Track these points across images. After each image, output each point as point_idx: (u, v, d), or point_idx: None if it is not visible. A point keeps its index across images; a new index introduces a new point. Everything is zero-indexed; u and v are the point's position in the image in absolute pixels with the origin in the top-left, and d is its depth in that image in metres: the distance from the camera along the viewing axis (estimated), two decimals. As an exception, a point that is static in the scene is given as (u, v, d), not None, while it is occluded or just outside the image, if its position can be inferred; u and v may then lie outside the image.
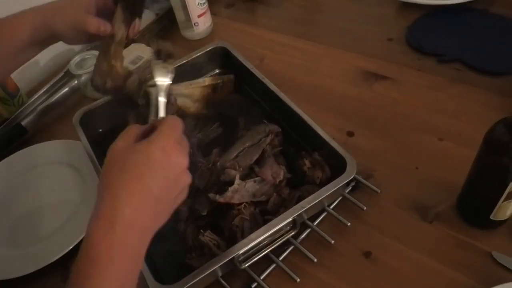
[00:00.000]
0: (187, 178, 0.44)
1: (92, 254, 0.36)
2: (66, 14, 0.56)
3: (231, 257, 0.51)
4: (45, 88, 0.83)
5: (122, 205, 0.38)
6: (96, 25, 0.56)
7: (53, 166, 0.73)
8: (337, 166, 0.59)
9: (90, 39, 0.58)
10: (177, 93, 0.66)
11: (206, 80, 0.71)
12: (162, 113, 0.47)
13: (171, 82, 0.51)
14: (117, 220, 0.37)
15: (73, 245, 0.60)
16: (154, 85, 0.52)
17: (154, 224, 0.41)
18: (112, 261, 0.37)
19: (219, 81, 0.72)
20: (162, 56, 0.52)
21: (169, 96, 0.50)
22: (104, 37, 0.57)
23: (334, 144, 0.59)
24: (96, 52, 0.83)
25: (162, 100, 0.48)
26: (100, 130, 0.74)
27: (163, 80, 0.50)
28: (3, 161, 0.75)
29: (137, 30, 0.60)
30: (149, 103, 0.56)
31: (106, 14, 0.58)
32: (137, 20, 0.57)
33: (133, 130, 0.43)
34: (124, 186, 0.39)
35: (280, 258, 0.56)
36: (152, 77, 0.53)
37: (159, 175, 0.40)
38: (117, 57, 0.57)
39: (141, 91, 0.58)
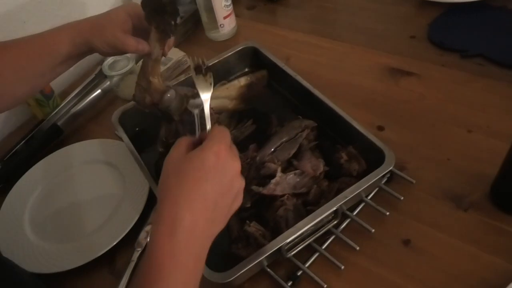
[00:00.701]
0: (241, 182, 0.45)
1: (157, 260, 0.39)
2: (105, 32, 0.58)
3: (278, 246, 0.53)
4: (78, 90, 0.86)
5: (182, 211, 0.40)
6: (135, 45, 0.58)
7: (91, 164, 0.76)
8: (372, 158, 0.62)
9: (124, 53, 0.61)
10: (215, 96, 0.67)
11: (241, 81, 0.73)
12: (209, 125, 0.49)
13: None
14: (178, 225, 0.39)
15: (119, 239, 0.63)
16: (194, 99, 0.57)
17: (212, 228, 0.43)
18: (175, 266, 0.39)
19: (253, 79, 0.74)
20: (202, 70, 0.54)
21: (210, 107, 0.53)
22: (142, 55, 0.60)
23: (371, 137, 0.61)
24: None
25: (207, 112, 0.50)
26: (136, 129, 0.76)
27: (207, 94, 0.52)
28: (42, 160, 0.77)
29: (171, 47, 0.62)
30: (183, 118, 0.61)
31: (141, 31, 0.60)
32: (171, 38, 0.60)
33: (184, 140, 0.45)
34: (182, 192, 0.41)
35: (323, 247, 0.58)
36: (194, 94, 0.57)
37: (214, 179, 0.42)
38: (154, 73, 0.59)
39: (183, 106, 0.61)
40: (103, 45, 0.59)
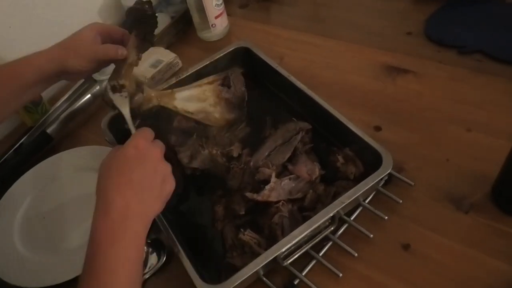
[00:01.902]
0: (165, 167, 0.51)
1: (95, 238, 0.44)
2: (79, 51, 0.60)
3: (274, 255, 0.52)
4: (67, 95, 0.84)
5: (112, 194, 0.46)
6: (115, 49, 0.61)
7: (82, 172, 0.74)
8: (369, 160, 0.60)
9: (98, 68, 0.64)
10: (186, 96, 0.67)
11: (210, 77, 0.71)
12: (133, 130, 0.57)
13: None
14: (110, 207, 0.45)
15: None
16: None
17: (145, 208, 0.47)
18: (112, 242, 0.43)
19: (225, 76, 0.71)
20: (117, 89, 0.60)
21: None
22: (116, 61, 0.62)
23: (368, 139, 0.59)
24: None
25: (129, 120, 0.58)
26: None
27: (125, 108, 0.60)
28: (31, 169, 0.76)
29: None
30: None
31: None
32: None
33: (115, 148, 0.52)
34: (111, 181, 0.47)
35: (320, 254, 0.56)
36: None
37: (136, 166, 0.48)
38: (127, 77, 0.61)
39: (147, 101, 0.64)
40: (80, 62, 0.60)
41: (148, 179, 0.48)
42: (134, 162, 0.48)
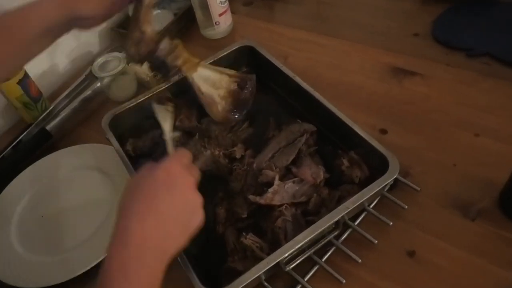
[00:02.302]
0: (196, 198, 0.46)
1: (109, 270, 0.39)
2: None
3: (277, 260, 0.51)
4: (67, 92, 0.82)
5: (133, 223, 0.41)
6: None
7: (81, 171, 0.73)
8: (374, 164, 0.59)
9: (112, 12, 0.56)
10: (205, 75, 0.66)
11: (232, 70, 0.71)
12: (171, 150, 0.53)
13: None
14: (129, 237, 0.40)
15: (109, 250, 0.60)
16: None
17: (167, 242, 0.42)
18: (126, 277, 0.38)
19: (244, 78, 0.71)
20: (162, 101, 0.60)
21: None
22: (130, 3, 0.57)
23: (374, 143, 0.58)
24: (118, 54, 0.82)
25: (169, 140, 0.55)
26: (128, 133, 0.73)
27: (167, 123, 0.57)
28: (30, 166, 0.74)
29: None
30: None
31: None
32: None
33: (147, 165, 0.47)
34: (133, 206, 0.42)
35: (323, 259, 0.55)
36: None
37: (165, 194, 0.43)
38: (147, 22, 0.58)
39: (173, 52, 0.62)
40: (91, 6, 0.53)
41: (175, 210, 0.43)
42: (163, 188, 0.43)
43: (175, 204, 0.43)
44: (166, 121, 0.56)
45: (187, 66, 0.62)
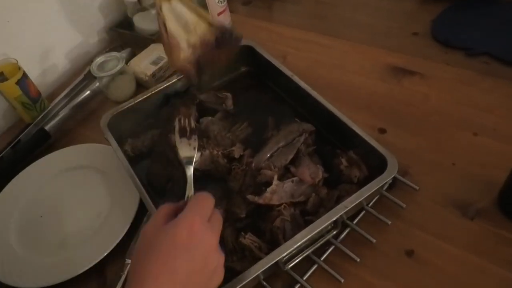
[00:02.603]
0: (218, 258, 0.42)
1: None
2: None
3: (276, 260, 0.50)
4: (65, 92, 0.82)
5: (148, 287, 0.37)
6: None
7: (80, 171, 0.73)
8: (373, 164, 0.59)
9: None
10: (178, 12, 0.57)
11: (216, 21, 0.60)
12: (192, 190, 0.48)
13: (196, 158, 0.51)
14: None
15: (108, 251, 0.60)
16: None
17: None
18: None
19: (228, 34, 0.60)
20: (186, 133, 0.52)
21: None
22: None
23: (373, 142, 0.58)
24: (117, 54, 0.82)
25: (191, 176, 0.49)
26: (127, 133, 0.73)
27: (190, 157, 0.50)
28: (29, 167, 0.74)
29: None
30: None
31: None
32: None
33: (164, 209, 0.43)
34: (150, 269, 0.38)
35: (322, 259, 0.55)
36: None
37: (184, 257, 0.39)
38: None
39: None
40: None
41: (195, 274, 0.40)
42: (183, 249, 0.39)
43: (195, 266, 0.40)
44: (187, 157, 0.49)
45: None
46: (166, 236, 0.40)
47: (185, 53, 0.57)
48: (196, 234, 0.40)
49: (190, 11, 0.57)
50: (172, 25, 0.56)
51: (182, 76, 0.72)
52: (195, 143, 0.51)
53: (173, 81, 0.75)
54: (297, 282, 0.53)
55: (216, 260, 0.42)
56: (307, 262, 0.55)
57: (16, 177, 0.73)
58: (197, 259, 0.40)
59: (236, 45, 0.60)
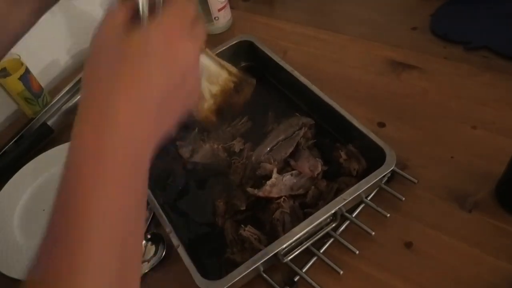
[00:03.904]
0: (196, 78, 0.36)
1: (76, 169, 0.29)
2: None
3: (275, 251, 0.51)
4: (68, 87, 0.83)
5: (117, 102, 0.30)
6: None
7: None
8: (372, 157, 0.59)
9: None
10: (204, 63, 0.55)
11: (235, 68, 0.61)
12: None
13: None
14: (109, 121, 0.29)
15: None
16: None
17: (156, 133, 0.33)
18: (103, 175, 0.29)
19: (243, 80, 0.62)
20: None
21: None
22: None
23: (372, 135, 0.58)
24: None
25: None
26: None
27: None
28: (31, 161, 0.75)
29: None
30: None
31: None
32: None
33: (120, 12, 0.33)
34: (117, 84, 0.30)
35: (321, 251, 0.56)
36: None
37: (160, 72, 0.32)
38: None
39: None
40: None
41: (170, 94, 0.32)
42: (158, 61, 0.31)
43: (170, 85, 0.32)
44: None
45: None
46: (136, 45, 0.31)
47: (208, 103, 0.58)
48: (176, 43, 0.32)
49: (214, 63, 0.58)
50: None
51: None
52: None
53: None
54: (297, 274, 0.54)
55: (194, 80, 0.36)
56: (307, 254, 0.55)
57: (19, 171, 0.74)
58: (175, 75, 0.33)
59: (251, 88, 0.61)
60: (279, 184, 0.58)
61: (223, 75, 0.60)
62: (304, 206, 0.58)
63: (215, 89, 0.59)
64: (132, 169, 0.30)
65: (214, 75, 0.59)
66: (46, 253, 0.28)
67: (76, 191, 0.28)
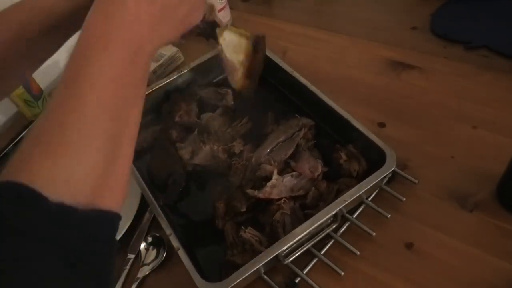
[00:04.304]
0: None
1: (87, 40, 0.32)
2: None
3: (276, 253, 0.51)
4: (67, 89, 0.83)
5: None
6: None
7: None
8: (372, 158, 0.59)
9: None
10: (229, 40, 0.62)
11: (247, 32, 0.64)
12: None
13: None
14: (119, 9, 0.33)
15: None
16: None
17: (155, 35, 0.36)
18: (106, 47, 0.32)
19: (257, 39, 0.64)
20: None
21: None
22: None
23: (372, 136, 0.58)
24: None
25: None
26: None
27: None
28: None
29: None
30: None
31: None
32: None
33: None
34: None
35: (322, 252, 0.56)
36: None
37: None
38: None
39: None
40: None
41: (174, 2, 0.36)
42: None
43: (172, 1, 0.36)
44: None
45: (219, 29, 0.58)
46: None
47: (240, 71, 0.62)
48: None
49: (235, 35, 0.62)
50: (228, 53, 0.61)
51: (183, 73, 0.74)
52: None
53: (174, 77, 0.76)
54: (298, 275, 0.54)
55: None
56: (307, 255, 0.55)
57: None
58: None
59: (265, 43, 0.64)
60: (279, 186, 0.58)
61: (243, 42, 0.64)
62: (304, 207, 0.58)
63: (241, 57, 0.63)
64: (132, 55, 0.33)
65: (237, 46, 0.63)
66: (47, 108, 0.30)
67: (81, 58, 0.31)
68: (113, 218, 0.31)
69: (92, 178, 0.29)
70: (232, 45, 0.62)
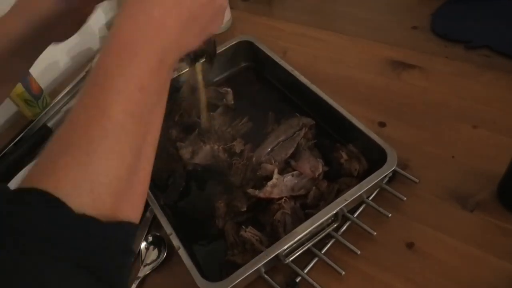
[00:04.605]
0: (223, 2, 0.40)
1: (116, 46, 0.32)
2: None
3: (276, 253, 0.51)
4: (68, 89, 0.83)
5: (151, 5, 0.34)
6: None
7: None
8: (373, 157, 0.59)
9: (82, 5, 0.46)
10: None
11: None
12: None
13: None
14: (143, 15, 0.33)
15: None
16: None
17: (179, 43, 0.36)
18: (135, 54, 0.32)
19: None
20: None
21: None
22: None
23: (373, 135, 0.58)
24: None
25: None
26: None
27: None
28: (31, 163, 0.75)
29: None
30: None
31: None
32: None
33: None
34: None
35: (322, 252, 0.55)
36: None
37: None
38: None
39: None
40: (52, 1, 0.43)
41: (200, 8, 0.37)
42: None
43: (201, 2, 0.37)
44: None
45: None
46: None
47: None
48: None
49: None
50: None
51: (183, 73, 0.75)
52: None
53: (174, 77, 0.76)
54: (298, 275, 0.54)
55: (222, 3, 0.39)
56: (308, 255, 0.55)
57: (19, 173, 0.74)
58: None
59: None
60: (280, 185, 0.58)
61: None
62: (305, 207, 0.58)
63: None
64: (158, 63, 0.33)
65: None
66: (73, 114, 0.30)
67: (108, 66, 0.31)
68: (132, 230, 0.32)
69: (115, 189, 0.30)
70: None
